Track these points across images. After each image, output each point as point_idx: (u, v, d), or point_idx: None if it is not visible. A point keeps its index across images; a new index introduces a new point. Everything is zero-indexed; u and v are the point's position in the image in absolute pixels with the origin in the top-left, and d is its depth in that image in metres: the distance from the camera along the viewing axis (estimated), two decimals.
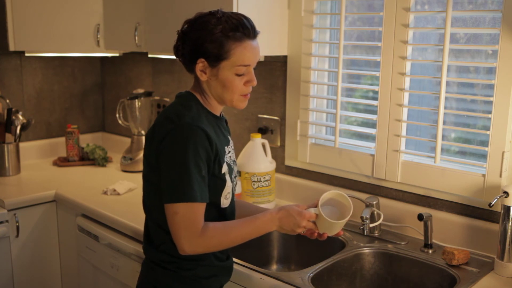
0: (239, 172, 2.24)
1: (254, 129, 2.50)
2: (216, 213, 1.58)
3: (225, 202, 1.59)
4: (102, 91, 3.36)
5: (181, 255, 1.51)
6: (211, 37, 1.48)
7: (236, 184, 1.68)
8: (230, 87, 1.53)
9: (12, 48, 2.69)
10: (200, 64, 1.51)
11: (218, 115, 1.62)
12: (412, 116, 2.04)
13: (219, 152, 1.53)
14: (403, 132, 2.03)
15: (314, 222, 1.54)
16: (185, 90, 1.62)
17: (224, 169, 1.56)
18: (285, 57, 2.34)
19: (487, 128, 1.82)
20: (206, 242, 1.48)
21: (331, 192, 1.58)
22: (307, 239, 1.82)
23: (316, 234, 1.57)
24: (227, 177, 1.58)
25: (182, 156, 1.44)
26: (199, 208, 1.47)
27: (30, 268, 2.50)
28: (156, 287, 1.60)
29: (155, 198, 1.55)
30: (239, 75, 1.52)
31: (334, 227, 1.55)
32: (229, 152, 1.61)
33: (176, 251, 1.50)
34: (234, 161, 1.65)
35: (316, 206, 1.55)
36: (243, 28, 1.50)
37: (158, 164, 1.50)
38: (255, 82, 1.56)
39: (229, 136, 1.67)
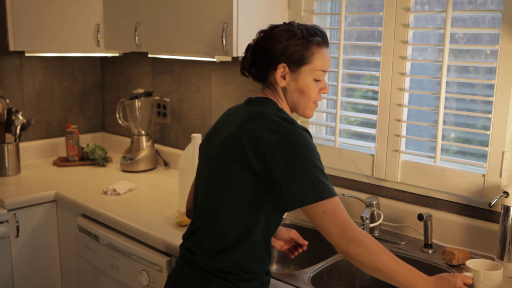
0: None
1: None
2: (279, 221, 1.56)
3: None
4: (102, 91, 3.36)
5: (241, 266, 1.48)
6: (295, 41, 1.49)
7: None
8: (308, 93, 1.53)
9: (12, 48, 2.69)
10: (281, 69, 1.51)
11: None
12: (412, 116, 2.04)
13: None
14: (403, 132, 2.03)
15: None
16: (256, 95, 1.59)
17: None
18: None
19: (487, 128, 1.82)
20: (364, 240, 1.39)
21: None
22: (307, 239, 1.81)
23: None
24: None
25: (309, 156, 1.42)
26: (340, 202, 1.43)
27: (30, 268, 2.50)
28: None
29: (237, 204, 1.47)
30: (317, 81, 1.53)
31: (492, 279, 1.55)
32: None
33: (237, 262, 1.47)
34: None
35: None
36: (321, 34, 1.53)
37: (266, 172, 1.43)
38: (327, 90, 1.57)
39: None
